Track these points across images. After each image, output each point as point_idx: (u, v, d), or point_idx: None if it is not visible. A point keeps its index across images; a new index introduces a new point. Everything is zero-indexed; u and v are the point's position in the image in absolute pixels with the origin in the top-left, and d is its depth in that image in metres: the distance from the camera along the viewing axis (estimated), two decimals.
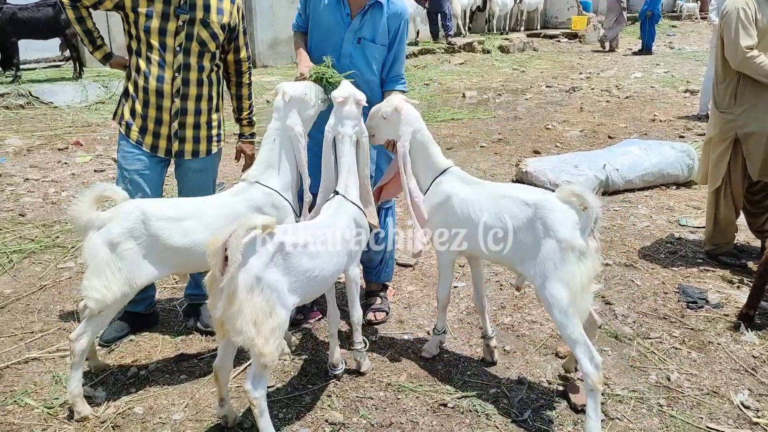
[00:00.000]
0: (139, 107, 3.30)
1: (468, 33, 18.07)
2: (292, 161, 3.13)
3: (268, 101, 10.85)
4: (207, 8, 3.25)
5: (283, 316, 2.50)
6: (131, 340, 3.53)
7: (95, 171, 6.82)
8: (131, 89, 3.32)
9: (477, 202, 2.98)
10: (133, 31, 3.24)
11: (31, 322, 3.72)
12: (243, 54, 3.52)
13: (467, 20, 18.16)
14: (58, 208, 5.67)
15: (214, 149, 3.51)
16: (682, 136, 8.04)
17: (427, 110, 10.07)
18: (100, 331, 3.15)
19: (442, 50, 15.42)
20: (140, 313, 3.60)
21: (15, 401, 2.99)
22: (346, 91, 3.03)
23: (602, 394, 2.88)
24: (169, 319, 3.79)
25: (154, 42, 3.20)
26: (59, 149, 7.63)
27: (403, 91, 3.60)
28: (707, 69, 9.08)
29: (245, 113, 3.63)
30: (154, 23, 3.18)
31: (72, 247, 4.77)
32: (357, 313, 3.13)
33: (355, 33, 3.41)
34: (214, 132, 3.48)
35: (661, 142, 6.52)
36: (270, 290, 2.43)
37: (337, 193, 3.00)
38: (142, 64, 3.24)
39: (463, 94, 11.44)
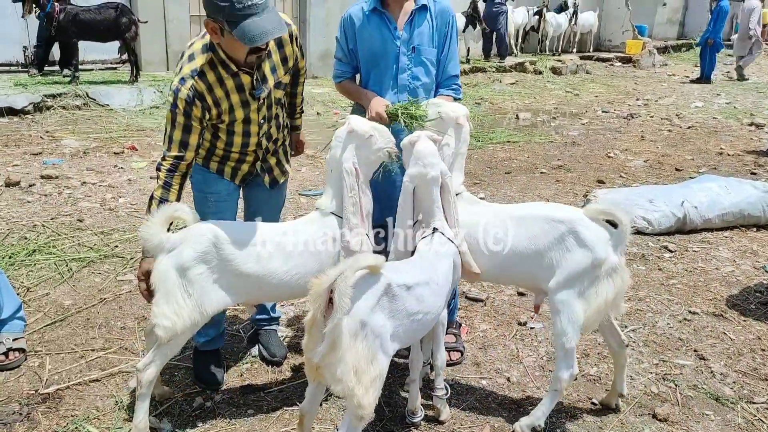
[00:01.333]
0: (220, 153, 3.07)
1: (520, 53, 17.79)
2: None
3: (318, 113, 10.74)
4: (274, 69, 2.97)
5: (384, 364, 2.28)
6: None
7: (151, 178, 6.71)
8: (212, 143, 3.03)
9: (498, 225, 2.90)
10: (223, 127, 2.97)
11: (92, 338, 3.57)
12: (302, 64, 3.27)
13: (519, 40, 17.89)
14: (115, 215, 5.56)
15: (289, 170, 3.39)
16: (754, 173, 7.67)
17: (480, 131, 9.83)
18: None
19: (494, 69, 15.17)
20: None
21: (76, 427, 2.83)
22: (416, 134, 2.84)
23: None
24: (232, 345, 3.60)
25: (239, 117, 2.94)
26: (115, 153, 7.57)
27: (457, 97, 3.42)
28: None
29: (299, 108, 3.46)
30: (238, 114, 2.92)
31: (131, 258, 4.63)
32: (441, 356, 2.90)
33: (408, 43, 3.23)
34: (288, 146, 3.38)
35: (741, 180, 6.18)
36: (374, 336, 2.22)
37: (435, 230, 2.77)
38: (224, 134, 2.99)
39: (517, 115, 11.17)
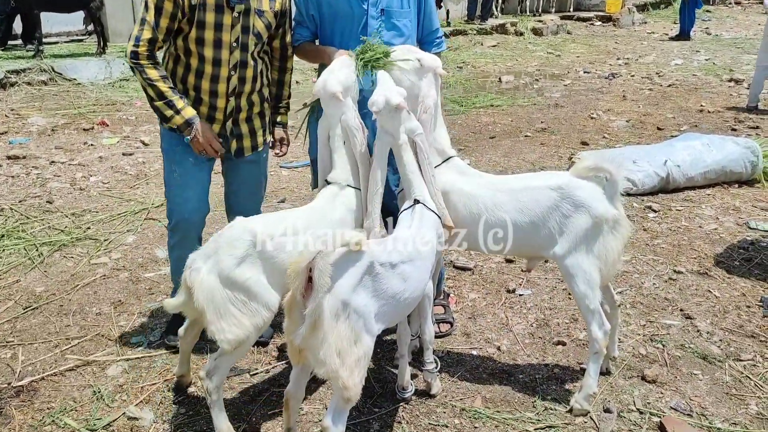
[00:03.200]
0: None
1: (500, 14, 17.54)
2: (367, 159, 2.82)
3: (297, 82, 10.53)
4: None
5: (369, 344, 2.20)
6: (175, 353, 3.24)
7: (123, 154, 6.54)
8: (180, 87, 2.95)
9: (491, 197, 2.83)
10: (192, 33, 2.84)
11: (66, 326, 3.45)
12: (289, 38, 3.19)
13: (499, 1, 17.63)
14: (86, 195, 5.40)
15: (268, 138, 3.26)
16: (735, 129, 7.63)
17: (464, 95, 9.68)
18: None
19: (475, 32, 14.96)
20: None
21: (53, 421, 2.73)
22: (378, 101, 2.61)
23: (701, 427, 2.71)
24: None
25: (209, 38, 2.84)
26: (84, 129, 7.37)
27: (439, 51, 3.35)
28: (758, 59, 8.62)
29: (285, 101, 3.33)
30: (209, 17, 2.82)
31: (105, 240, 4.50)
32: (429, 330, 2.83)
33: (376, 5, 3.07)
34: (267, 120, 3.22)
35: (723, 137, 6.11)
36: (357, 316, 2.13)
37: (417, 201, 2.67)
38: (195, 63, 2.89)
39: (499, 78, 11.03)
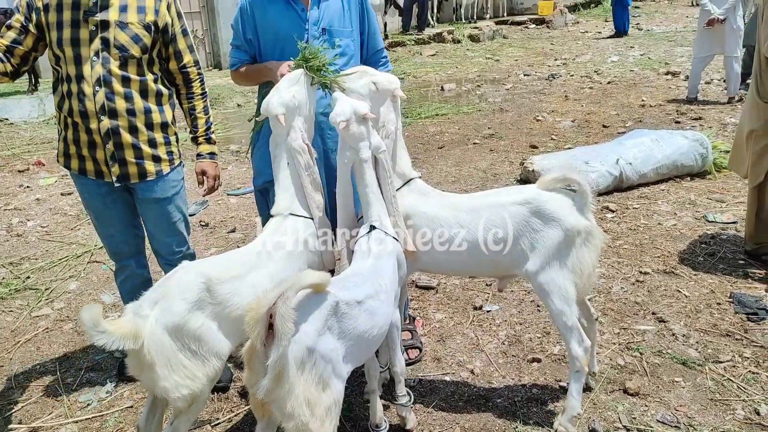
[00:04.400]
0: (70, 134, 2.79)
1: (436, 23, 17.62)
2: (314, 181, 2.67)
3: (239, 105, 10.30)
4: (124, 8, 2.74)
5: (339, 389, 2.03)
6: (130, 407, 3.01)
7: (62, 194, 6.20)
8: (60, 117, 2.81)
9: (454, 218, 2.70)
10: (55, 51, 2.71)
11: (8, 390, 3.17)
12: (188, 58, 2.98)
13: (435, 10, 17.72)
14: (24, 241, 5.07)
15: (166, 169, 2.94)
16: (678, 122, 7.75)
17: (408, 106, 9.60)
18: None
19: (413, 42, 14.97)
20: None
21: None
22: (345, 111, 2.48)
23: None
24: None
25: (69, 54, 2.68)
26: (19, 171, 6.99)
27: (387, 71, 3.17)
28: (694, 51, 8.80)
29: (201, 130, 3.08)
30: (65, 33, 2.67)
31: (46, 289, 4.20)
32: (400, 362, 2.67)
33: (317, 24, 2.95)
34: (162, 151, 2.91)
35: (672, 131, 6.17)
36: (324, 362, 1.96)
37: (373, 227, 2.52)
38: (64, 87, 2.73)
39: (442, 87, 11.01)
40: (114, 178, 2.82)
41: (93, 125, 2.72)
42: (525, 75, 11.84)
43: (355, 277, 2.28)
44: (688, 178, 5.77)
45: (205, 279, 2.25)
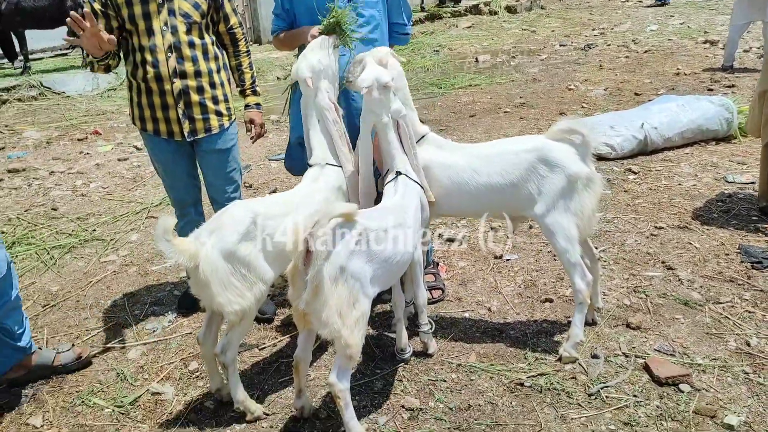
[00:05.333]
0: (144, 99, 3.23)
1: None
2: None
3: (278, 78, 10.69)
4: None
5: (366, 306, 2.40)
6: (189, 334, 3.46)
7: (119, 160, 6.71)
8: (134, 84, 3.26)
9: (468, 165, 3.03)
10: (127, 27, 3.13)
11: (84, 319, 3.66)
12: (233, 20, 3.41)
13: None
14: (88, 200, 5.58)
15: (226, 123, 3.38)
16: (711, 89, 7.82)
17: (442, 77, 9.86)
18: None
19: (449, 14, 15.11)
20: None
21: (83, 402, 2.94)
22: (369, 78, 2.80)
23: (683, 364, 2.92)
24: None
25: (142, 27, 3.10)
26: (78, 139, 7.53)
27: (399, 45, 3.59)
28: (732, 18, 8.80)
29: (248, 83, 3.54)
30: (137, 9, 3.08)
31: (111, 240, 4.69)
32: (422, 294, 3.03)
33: None
34: (222, 107, 3.35)
35: (698, 96, 6.32)
36: (354, 280, 2.34)
37: (399, 173, 2.88)
38: (137, 57, 3.16)
39: (476, 58, 11.20)
40: (186, 134, 3.25)
41: (167, 87, 3.16)
42: (561, 45, 11.91)
43: (382, 210, 2.65)
44: (713, 142, 5.93)
45: (254, 214, 2.63)
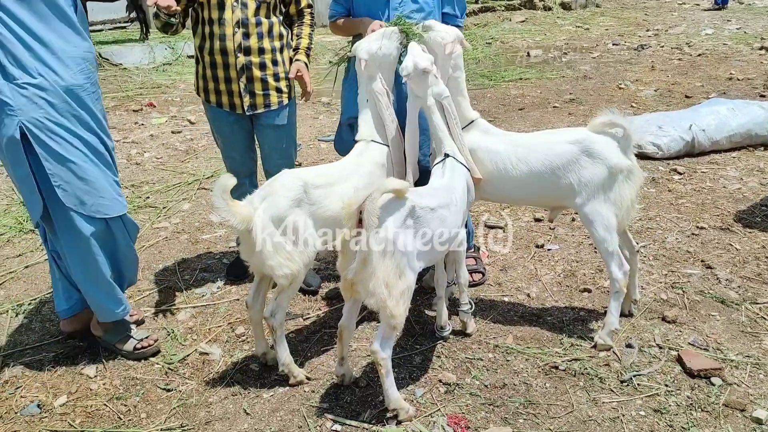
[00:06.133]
0: (209, 72, 3.39)
1: None
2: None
3: (330, 62, 10.81)
4: None
5: (412, 279, 2.52)
6: (236, 300, 3.62)
7: (172, 132, 6.94)
8: (200, 56, 3.42)
9: (513, 152, 3.11)
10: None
11: (137, 281, 3.83)
12: (304, 2, 3.53)
13: None
14: (142, 169, 5.81)
15: (285, 100, 3.51)
16: (763, 95, 7.70)
17: (492, 69, 9.88)
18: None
19: (503, 8, 15.07)
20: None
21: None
22: (408, 65, 2.90)
23: (716, 359, 2.96)
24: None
25: (213, 1, 3.24)
26: (134, 110, 7.78)
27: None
28: None
29: (303, 46, 3.53)
30: None
31: (164, 208, 4.89)
32: (464, 274, 3.14)
33: None
34: (283, 84, 3.47)
35: (749, 101, 6.25)
36: (401, 254, 2.45)
37: (447, 155, 2.98)
38: (206, 30, 3.31)
39: (528, 53, 11.17)
40: (246, 107, 3.39)
41: (231, 61, 3.30)
42: (614, 44, 11.79)
43: (431, 190, 2.75)
44: (762, 148, 5.87)
45: (303, 183, 2.77)
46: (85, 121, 2.83)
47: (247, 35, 3.29)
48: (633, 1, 17.79)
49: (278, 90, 3.46)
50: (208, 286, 3.78)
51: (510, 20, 14.50)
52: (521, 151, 3.10)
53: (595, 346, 3.09)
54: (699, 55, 10.43)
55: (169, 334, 3.30)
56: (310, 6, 3.58)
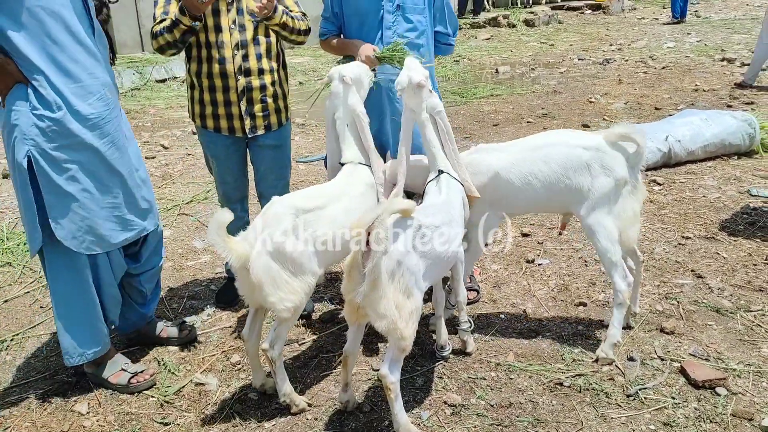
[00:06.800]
0: (207, 96, 3.31)
1: (492, 7, 17.83)
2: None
3: (300, 83, 10.80)
4: None
5: (419, 299, 2.47)
6: (228, 327, 3.52)
7: (146, 158, 6.78)
8: (196, 81, 3.33)
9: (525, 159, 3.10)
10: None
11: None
12: (295, 10, 3.43)
13: None
14: None
15: (284, 120, 3.49)
16: (730, 106, 7.90)
17: (463, 87, 9.95)
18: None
19: (468, 26, 15.25)
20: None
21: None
22: (402, 80, 2.92)
23: (719, 369, 2.96)
24: None
25: (210, 24, 3.19)
26: None
27: (441, 54, 3.72)
28: (761, 37, 8.80)
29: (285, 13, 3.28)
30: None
31: None
32: (463, 292, 3.09)
33: (392, 1, 3.35)
34: (281, 103, 3.45)
35: (721, 111, 6.39)
36: (410, 273, 2.40)
37: (441, 171, 2.95)
38: (203, 53, 3.24)
39: (496, 69, 11.30)
40: (247, 130, 3.34)
41: (231, 84, 3.24)
42: (579, 59, 12.02)
43: (432, 207, 2.72)
44: (735, 157, 6.00)
45: (295, 210, 2.69)
46: (100, 152, 2.77)
47: (246, 56, 3.24)
48: (594, 17, 18.19)
49: (277, 110, 3.42)
50: (198, 313, 3.68)
51: (476, 38, 14.69)
52: (533, 155, 3.10)
53: (597, 360, 3.07)
54: (663, 67, 10.68)
55: (160, 365, 3.18)
56: (303, 14, 3.45)
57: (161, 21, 3.15)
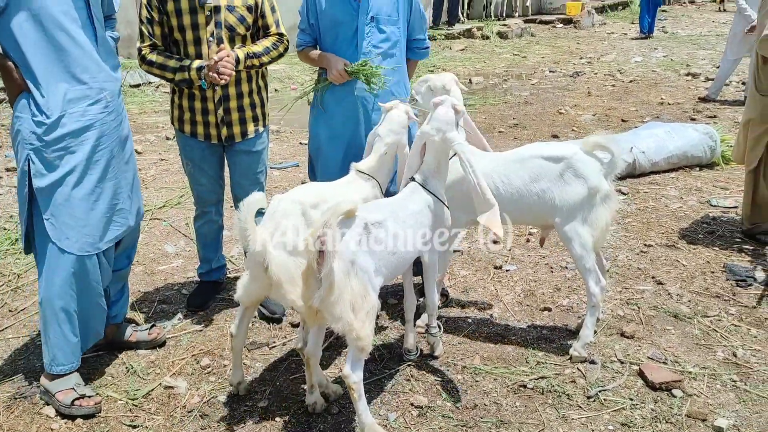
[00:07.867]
0: (186, 102, 3.40)
1: (466, 19, 18.05)
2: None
3: (276, 90, 10.82)
4: None
5: (374, 298, 2.52)
6: (199, 331, 3.55)
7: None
8: (177, 88, 3.42)
9: (500, 172, 3.17)
10: (175, 35, 3.31)
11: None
12: (273, 31, 3.49)
13: (465, 6, 18.15)
14: None
15: (261, 128, 3.56)
16: (694, 119, 8.13)
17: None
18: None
19: (443, 37, 15.42)
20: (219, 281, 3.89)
21: (97, 394, 3.00)
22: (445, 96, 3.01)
23: (675, 371, 3.07)
24: (232, 308, 3.78)
25: (189, 37, 3.28)
26: None
27: (417, 59, 3.86)
28: (729, 53, 9.05)
29: (248, 50, 3.34)
30: (186, 20, 3.25)
31: None
32: (434, 297, 3.15)
33: (366, 13, 3.43)
34: (259, 111, 3.53)
35: (684, 124, 6.59)
36: (363, 272, 2.46)
37: (412, 179, 2.99)
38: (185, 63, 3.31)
39: (470, 80, 11.45)
40: (223, 138, 3.42)
41: (208, 94, 3.32)
42: (550, 71, 12.23)
43: (375, 204, 2.81)
44: (697, 168, 6.18)
45: (301, 205, 2.76)
46: (94, 157, 2.82)
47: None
48: (565, 31, 18.52)
49: (254, 118, 3.49)
50: (168, 317, 3.69)
51: (450, 49, 14.85)
52: (511, 166, 3.18)
53: (570, 359, 3.18)
54: (631, 81, 10.93)
55: (128, 369, 3.20)
56: (281, 35, 3.49)
57: (154, 47, 3.29)
